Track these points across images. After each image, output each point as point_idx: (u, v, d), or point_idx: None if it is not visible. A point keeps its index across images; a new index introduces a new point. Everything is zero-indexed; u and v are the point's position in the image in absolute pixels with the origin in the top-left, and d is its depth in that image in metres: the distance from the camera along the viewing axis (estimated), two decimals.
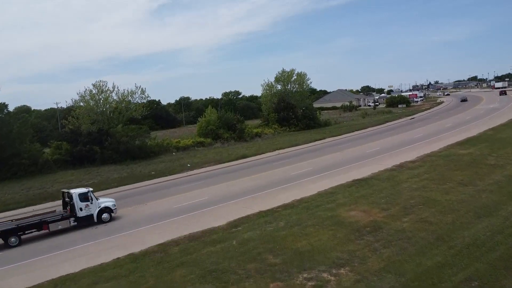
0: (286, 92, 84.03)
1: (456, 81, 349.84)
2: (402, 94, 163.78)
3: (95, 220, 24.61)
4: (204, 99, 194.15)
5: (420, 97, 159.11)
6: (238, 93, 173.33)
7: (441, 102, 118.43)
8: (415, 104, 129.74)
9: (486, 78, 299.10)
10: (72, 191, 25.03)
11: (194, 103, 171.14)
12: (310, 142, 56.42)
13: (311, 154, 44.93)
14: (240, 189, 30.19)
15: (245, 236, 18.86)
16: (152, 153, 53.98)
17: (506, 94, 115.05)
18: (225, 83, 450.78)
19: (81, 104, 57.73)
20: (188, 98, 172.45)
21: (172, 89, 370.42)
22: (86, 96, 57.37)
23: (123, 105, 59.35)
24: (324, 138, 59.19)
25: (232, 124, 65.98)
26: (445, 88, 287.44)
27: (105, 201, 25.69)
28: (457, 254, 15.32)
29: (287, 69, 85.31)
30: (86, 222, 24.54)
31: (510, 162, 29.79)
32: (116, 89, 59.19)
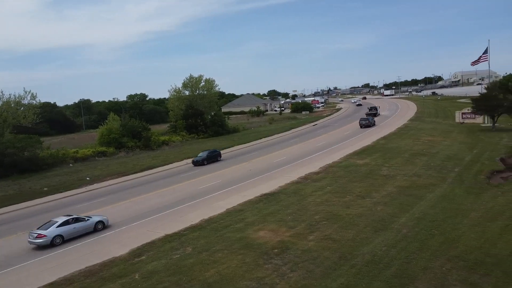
0: (194, 98, 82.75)
1: (352, 87, 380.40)
2: (305, 99, 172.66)
3: None
4: (107, 101, 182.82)
5: (321, 103, 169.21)
6: (144, 96, 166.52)
7: (340, 109, 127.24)
8: (317, 110, 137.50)
9: (377, 86, 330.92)
10: None
11: (95, 106, 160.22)
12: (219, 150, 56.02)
13: (220, 164, 44.56)
14: (145, 208, 28.49)
15: (149, 268, 17.57)
16: (45, 165, 48.91)
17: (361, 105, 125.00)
18: (131, 85, 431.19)
19: None
20: (89, 100, 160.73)
21: (72, 89, 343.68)
22: None
23: (8, 112, 52.58)
24: (232, 146, 59.34)
25: (137, 131, 62.83)
26: (344, 94, 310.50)
27: None
28: (358, 273, 16.01)
29: (196, 73, 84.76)
30: None
31: (400, 172, 32.70)
32: None
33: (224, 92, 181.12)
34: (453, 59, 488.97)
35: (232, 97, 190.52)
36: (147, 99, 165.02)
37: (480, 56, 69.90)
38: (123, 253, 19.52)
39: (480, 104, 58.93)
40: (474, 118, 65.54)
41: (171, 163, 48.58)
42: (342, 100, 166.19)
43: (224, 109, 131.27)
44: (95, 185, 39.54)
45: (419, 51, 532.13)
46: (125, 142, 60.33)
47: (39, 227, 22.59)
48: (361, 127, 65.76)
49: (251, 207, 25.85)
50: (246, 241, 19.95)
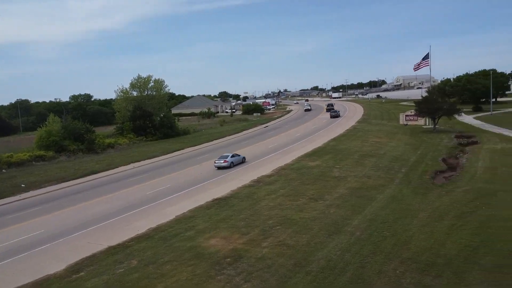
0: (143, 99, 79.73)
1: (301, 90, 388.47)
2: (257, 101, 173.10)
3: None
4: (48, 101, 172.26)
5: (272, 105, 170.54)
6: (89, 96, 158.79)
7: (290, 111, 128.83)
8: (268, 111, 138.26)
9: (325, 88, 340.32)
10: None
11: (35, 107, 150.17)
12: (169, 153, 54.20)
13: (170, 168, 42.85)
14: (87, 216, 26.41)
15: (88, 285, 15.98)
16: None
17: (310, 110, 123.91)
18: (75, 85, 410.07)
19: None
20: (27, 100, 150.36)
21: (9, 89, 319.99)
22: None
23: None
24: (183, 148, 57.61)
25: (79, 134, 59.14)
26: (295, 96, 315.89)
27: None
28: (313, 280, 15.54)
29: (144, 74, 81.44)
30: None
31: (350, 174, 33.05)
32: None
33: (174, 93, 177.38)
34: (395, 64, 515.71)
35: (182, 98, 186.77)
36: (92, 99, 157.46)
37: (422, 62, 73.46)
38: (59, 270, 17.68)
39: (422, 107, 61.76)
40: (417, 120, 68.63)
41: (117, 167, 46.06)
42: (297, 102, 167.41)
43: (174, 111, 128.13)
44: (31, 193, 36.40)
45: (365, 56, 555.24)
46: (67, 145, 56.57)
47: None
48: (331, 117, 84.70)
49: (202, 213, 24.74)
50: (197, 250, 18.86)
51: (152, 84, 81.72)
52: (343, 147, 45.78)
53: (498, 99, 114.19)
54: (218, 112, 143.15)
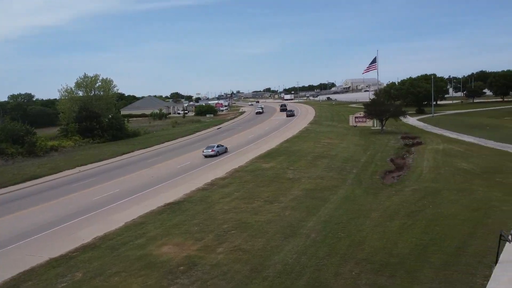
0: (89, 100, 75.99)
1: (254, 91, 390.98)
2: (209, 102, 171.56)
3: None
4: None
5: (225, 106, 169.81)
6: (30, 96, 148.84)
7: (244, 112, 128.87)
8: (221, 113, 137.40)
9: (277, 90, 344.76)
10: None
11: None
12: (118, 155, 51.87)
13: (119, 171, 40.92)
14: (26, 226, 24.36)
15: None
16: None
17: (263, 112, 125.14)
18: (15, 84, 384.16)
19: None
20: None
21: None
22: None
23: None
24: (133, 151, 55.44)
25: (19, 136, 55.11)
26: (248, 98, 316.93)
27: None
28: (271, 285, 15.20)
29: (91, 73, 77.54)
30: None
31: (304, 175, 33.26)
32: None
33: (123, 94, 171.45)
34: (344, 67, 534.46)
35: (132, 99, 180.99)
36: (34, 99, 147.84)
37: (370, 65, 76.19)
38: None
39: (371, 109, 64.00)
40: (365, 121, 70.97)
41: (61, 171, 43.28)
42: (251, 104, 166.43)
43: (124, 112, 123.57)
44: None
45: (316, 59, 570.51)
46: (4, 148, 52.44)
47: None
48: (287, 116, 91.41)
49: (153, 218, 23.66)
50: (148, 259, 17.88)
51: (100, 83, 78.15)
52: (296, 149, 46.15)
53: (439, 102, 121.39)
54: (170, 114, 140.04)
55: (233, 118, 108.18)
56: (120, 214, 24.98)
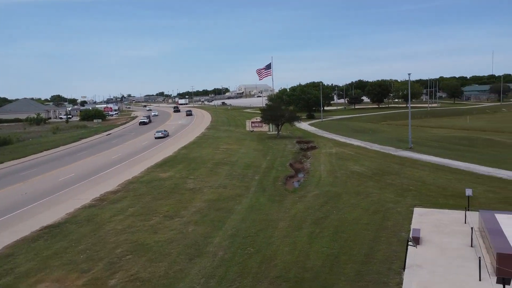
0: None
1: (146, 95, 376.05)
2: (97, 106, 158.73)
3: None
4: None
5: (115, 110, 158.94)
6: None
7: (136, 117, 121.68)
8: (111, 118, 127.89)
9: (171, 94, 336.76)
10: None
11: None
12: None
13: None
14: None
15: None
16: None
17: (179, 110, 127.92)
18: None
19: None
20: None
21: None
22: None
23: None
24: (2, 162, 47.23)
25: None
26: (139, 101, 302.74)
27: None
28: None
29: None
30: None
31: (206, 184, 31.30)
32: None
33: None
34: (238, 73, 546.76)
35: (3, 101, 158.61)
36: None
37: (265, 71, 77.63)
38: None
39: (267, 114, 64.86)
40: (262, 126, 71.86)
41: None
42: (150, 110, 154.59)
43: None
44: None
45: (210, 64, 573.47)
46: None
47: None
48: (186, 115, 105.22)
49: (25, 248, 19.33)
50: None
51: None
52: (195, 155, 43.95)
53: (326, 108, 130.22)
54: (50, 118, 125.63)
55: (125, 123, 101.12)
56: None
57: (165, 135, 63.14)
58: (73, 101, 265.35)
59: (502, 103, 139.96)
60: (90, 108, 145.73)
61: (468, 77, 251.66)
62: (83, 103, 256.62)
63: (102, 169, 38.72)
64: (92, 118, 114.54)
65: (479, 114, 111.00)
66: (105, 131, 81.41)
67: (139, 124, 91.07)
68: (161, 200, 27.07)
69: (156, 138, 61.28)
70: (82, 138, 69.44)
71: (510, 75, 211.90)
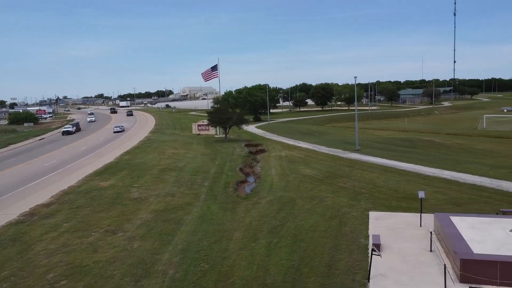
0: None
1: (84, 97, 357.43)
2: (29, 109, 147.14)
3: None
4: None
5: (49, 113, 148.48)
6: None
7: (73, 120, 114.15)
8: (44, 121, 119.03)
9: (111, 97, 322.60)
10: None
11: None
12: None
13: None
14: None
15: None
16: None
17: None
18: None
19: None
20: None
21: None
22: None
23: None
24: None
25: None
26: (76, 103, 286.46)
27: None
28: None
29: None
30: None
31: (152, 193, 29.04)
32: None
33: None
34: (182, 75, 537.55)
35: None
36: None
37: (211, 73, 75.84)
38: None
39: (214, 117, 63.15)
40: (208, 130, 69.99)
41: None
42: (92, 113, 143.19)
43: None
44: None
45: (153, 66, 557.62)
46: None
47: None
48: (127, 115, 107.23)
49: None
50: None
51: None
52: (139, 161, 41.18)
53: (272, 110, 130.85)
54: None
55: (60, 127, 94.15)
56: None
57: (122, 130, 68.84)
58: (1, 103, 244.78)
59: (434, 106, 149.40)
60: (21, 110, 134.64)
61: (402, 82, 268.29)
62: (13, 105, 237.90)
63: (33, 179, 34.88)
64: (23, 121, 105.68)
65: (415, 116, 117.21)
66: (38, 135, 75.06)
67: (62, 134, 74.51)
68: (102, 212, 24.49)
69: (114, 132, 69.40)
70: (11, 144, 63.26)
71: (438, 80, 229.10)
